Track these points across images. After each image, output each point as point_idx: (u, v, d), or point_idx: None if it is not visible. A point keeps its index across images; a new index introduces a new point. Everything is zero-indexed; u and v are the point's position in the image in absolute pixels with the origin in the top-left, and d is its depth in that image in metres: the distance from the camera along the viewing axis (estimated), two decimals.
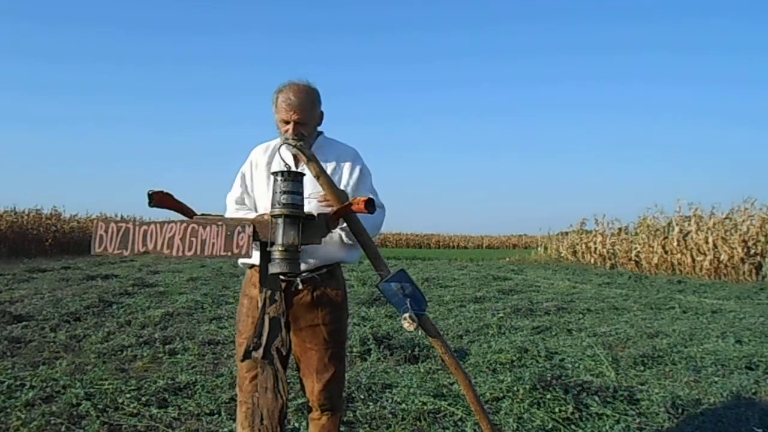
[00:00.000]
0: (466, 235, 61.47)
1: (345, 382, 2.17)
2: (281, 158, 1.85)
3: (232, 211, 1.97)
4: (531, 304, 7.13)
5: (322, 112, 1.91)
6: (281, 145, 1.82)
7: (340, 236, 1.83)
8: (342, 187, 1.83)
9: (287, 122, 1.81)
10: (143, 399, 3.03)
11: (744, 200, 13.70)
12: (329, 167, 1.87)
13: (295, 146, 1.65)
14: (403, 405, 2.99)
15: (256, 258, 1.85)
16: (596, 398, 3.06)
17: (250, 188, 1.97)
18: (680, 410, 3.01)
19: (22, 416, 2.74)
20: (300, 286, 1.82)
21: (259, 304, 1.56)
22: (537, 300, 7.69)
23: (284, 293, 1.82)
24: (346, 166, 1.92)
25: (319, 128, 1.95)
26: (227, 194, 2.04)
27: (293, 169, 1.82)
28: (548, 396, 3.03)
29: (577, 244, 19.50)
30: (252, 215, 1.83)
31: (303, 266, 1.81)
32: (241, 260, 1.95)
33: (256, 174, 1.96)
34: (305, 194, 1.65)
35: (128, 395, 3.06)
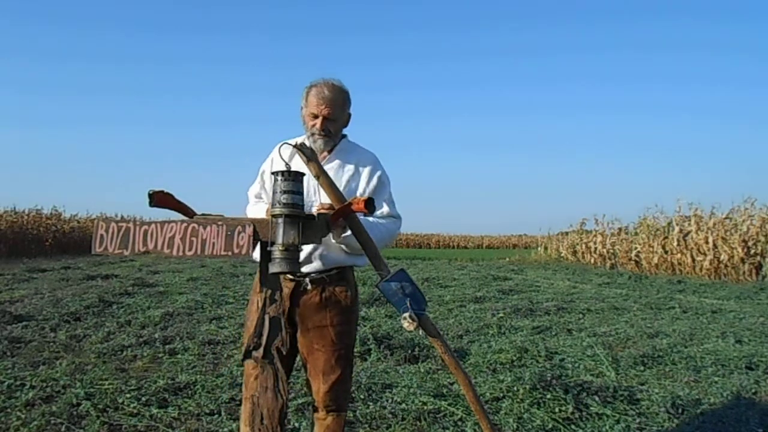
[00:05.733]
0: (466, 235, 61.56)
1: (351, 384, 2.16)
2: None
3: (251, 204, 2.04)
4: (531, 304, 7.13)
5: (350, 114, 1.92)
6: (300, 143, 1.80)
7: (341, 246, 1.81)
8: (359, 194, 1.83)
9: (316, 116, 1.82)
10: (143, 399, 3.03)
11: (744, 200, 13.72)
12: (348, 171, 1.88)
13: (294, 146, 1.63)
14: (403, 405, 2.99)
15: None
16: (596, 398, 3.06)
17: (267, 185, 1.98)
18: (680, 410, 3.01)
19: (22, 416, 2.74)
20: (309, 287, 1.82)
21: (259, 304, 1.56)
22: (537, 300, 7.69)
23: (292, 293, 1.82)
24: (365, 172, 1.90)
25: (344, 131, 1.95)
26: (249, 187, 2.10)
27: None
28: (548, 396, 3.03)
29: (577, 244, 19.51)
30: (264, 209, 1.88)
31: (313, 267, 1.82)
32: (256, 255, 1.96)
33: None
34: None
35: (128, 395, 3.06)
